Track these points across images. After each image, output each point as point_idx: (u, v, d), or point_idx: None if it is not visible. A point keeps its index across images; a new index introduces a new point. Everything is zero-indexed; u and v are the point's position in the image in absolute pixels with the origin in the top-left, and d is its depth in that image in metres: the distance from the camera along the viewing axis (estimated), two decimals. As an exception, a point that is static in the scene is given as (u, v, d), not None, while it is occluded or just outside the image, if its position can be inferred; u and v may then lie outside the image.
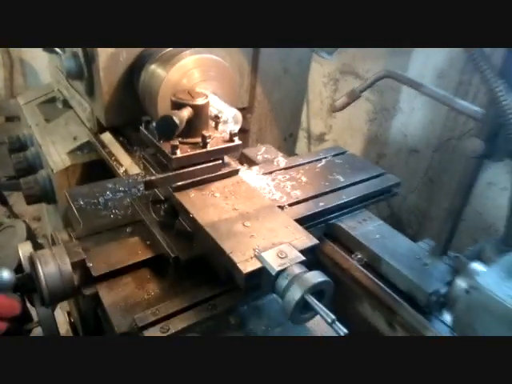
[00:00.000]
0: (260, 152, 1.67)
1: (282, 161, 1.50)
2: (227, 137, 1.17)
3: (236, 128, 1.29)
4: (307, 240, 0.97)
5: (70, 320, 1.46)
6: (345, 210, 1.34)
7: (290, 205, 1.27)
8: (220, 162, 1.16)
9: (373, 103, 3.03)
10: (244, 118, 2.18)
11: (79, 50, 1.70)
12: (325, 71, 3.40)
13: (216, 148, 1.13)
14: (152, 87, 1.49)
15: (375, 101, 3.01)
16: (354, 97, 1.52)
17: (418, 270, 1.13)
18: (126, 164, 1.63)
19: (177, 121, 0.98)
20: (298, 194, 1.31)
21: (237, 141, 1.17)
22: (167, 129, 0.98)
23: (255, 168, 1.43)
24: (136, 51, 1.63)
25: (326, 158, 1.56)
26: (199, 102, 1.10)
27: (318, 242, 0.97)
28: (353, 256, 1.25)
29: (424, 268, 1.15)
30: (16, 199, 3.99)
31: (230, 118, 1.34)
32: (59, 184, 1.80)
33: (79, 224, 1.21)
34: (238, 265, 0.87)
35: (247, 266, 0.87)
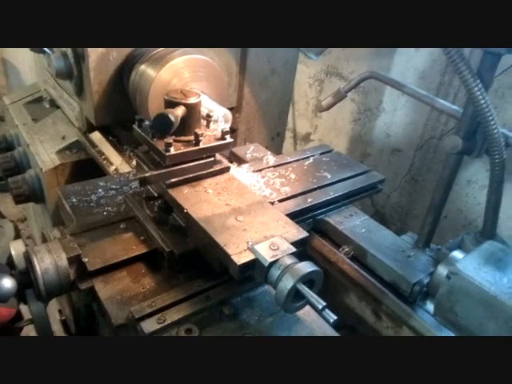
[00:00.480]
0: (249, 151, 1.71)
1: (271, 159, 1.55)
2: (219, 135, 1.20)
3: (226, 127, 1.33)
4: (298, 233, 1.01)
5: (61, 317, 1.47)
6: (332, 206, 1.39)
7: (280, 201, 1.31)
8: (212, 159, 1.19)
9: (357, 104, 3.10)
10: (232, 117, 2.24)
11: (69, 50, 1.71)
12: (310, 72, 3.46)
13: (208, 146, 1.16)
14: (142, 87, 1.52)
15: (359, 101, 3.08)
16: (339, 97, 1.57)
17: (402, 262, 1.19)
18: (117, 162, 1.65)
19: (172, 119, 1.01)
20: (287, 191, 1.36)
21: (228, 139, 1.20)
22: (163, 126, 1.01)
23: (245, 166, 1.47)
24: (126, 51, 1.65)
25: (313, 156, 1.61)
26: (192, 100, 1.13)
27: (307, 234, 1.02)
28: (340, 249, 1.30)
29: (408, 260, 1.20)
30: (-1, 200, 3.95)
31: (220, 117, 1.38)
32: (48, 183, 1.80)
33: (72, 221, 1.23)
34: (232, 257, 0.91)
35: (241, 257, 0.91)
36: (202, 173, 1.18)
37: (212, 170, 1.20)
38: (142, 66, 1.56)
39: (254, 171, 1.44)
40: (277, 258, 0.90)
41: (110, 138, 1.81)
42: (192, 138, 1.14)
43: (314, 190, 1.40)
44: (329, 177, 1.47)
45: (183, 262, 1.08)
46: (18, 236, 2.28)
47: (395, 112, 2.89)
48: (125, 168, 1.62)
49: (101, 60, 1.62)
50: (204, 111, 1.27)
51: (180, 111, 1.09)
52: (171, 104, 1.13)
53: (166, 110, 1.04)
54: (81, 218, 1.23)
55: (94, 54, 1.60)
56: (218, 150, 1.20)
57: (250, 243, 0.95)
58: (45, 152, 1.87)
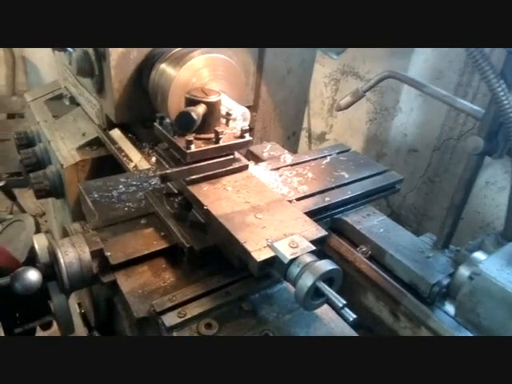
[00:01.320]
0: (266, 149, 1.72)
1: (288, 157, 1.55)
2: (238, 133, 1.21)
3: (245, 125, 1.34)
4: (317, 231, 1.01)
5: (80, 311, 1.50)
6: (350, 205, 1.39)
7: (298, 199, 1.32)
8: (231, 157, 1.21)
9: (373, 103, 3.09)
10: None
11: (90, 49, 1.74)
12: (326, 71, 3.45)
13: (228, 143, 1.17)
14: (163, 86, 1.54)
15: (375, 101, 3.07)
16: (357, 96, 1.57)
17: (421, 263, 1.18)
18: (136, 159, 1.68)
19: (195, 116, 1.03)
20: (305, 189, 1.36)
21: (247, 137, 1.21)
22: (186, 124, 1.03)
23: (263, 164, 1.48)
24: (146, 50, 1.68)
25: (330, 155, 1.61)
26: (212, 99, 1.15)
27: (326, 233, 1.02)
28: (358, 249, 1.30)
29: (426, 260, 1.20)
30: (18, 195, 4.03)
31: (239, 116, 1.39)
32: (69, 179, 1.84)
33: (94, 216, 1.26)
34: (252, 253, 0.92)
35: (261, 254, 0.92)
36: (221, 170, 1.19)
37: (231, 167, 1.21)
38: (162, 65, 1.58)
39: (271, 169, 1.45)
40: (296, 255, 0.91)
41: (130, 135, 1.84)
42: (212, 135, 1.16)
43: (332, 189, 1.40)
44: (346, 176, 1.47)
45: (203, 258, 1.09)
46: (38, 230, 2.33)
47: (412, 112, 2.87)
48: (144, 165, 1.64)
49: (121, 59, 1.65)
50: (224, 110, 1.29)
51: (201, 109, 1.11)
52: (192, 102, 1.14)
53: (189, 108, 1.05)
54: (103, 213, 1.26)
55: (115, 53, 1.63)
56: (238, 148, 1.21)
57: (269, 240, 0.96)
58: (65, 148, 1.91)
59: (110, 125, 1.86)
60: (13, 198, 3.81)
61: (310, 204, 1.31)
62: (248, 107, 2.21)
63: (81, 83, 2.09)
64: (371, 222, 1.36)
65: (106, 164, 1.87)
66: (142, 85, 1.70)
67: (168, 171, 1.11)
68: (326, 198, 1.34)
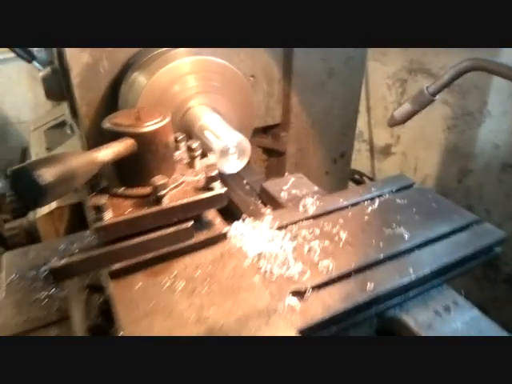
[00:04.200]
0: (286, 186, 1.18)
1: (310, 204, 1.00)
2: (202, 182, 0.70)
3: (241, 163, 0.87)
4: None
5: None
6: (411, 292, 0.81)
7: (316, 287, 0.77)
8: (189, 224, 0.70)
9: (451, 106, 2.44)
10: (277, 137, 1.73)
11: (58, 64, 1.35)
12: (388, 71, 2.84)
13: (179, 204, 0.67)
14: (131, 100, 1.09)
15: (454, 103, 2.41)
16: (422, 102, 0.99)
17: None
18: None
19: (43, 180, 0.51)
20: (332, 266, 0.80)
21: (218, 189, 0.70)
22: (27, 194, 0.52)
23: (268, 218, 0.94)
24: (120, 59, 1.24)
25: (381, 196, 1.04)
26: (146, 128, 0.65)
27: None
28: (428, 381, 0.71)
29: None
30: None
31: (231, 148, 0.91)
32: (44, 231, 1.45)
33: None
34: None
35: None
36: (171, 249, 0.69)
37: (191, 242, 0.71)
38: (134, 74, 1.14)
39: (279, 227, 0.91)
40: None
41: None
42: (149, 190, 0.66)
43: (380, 262, 0.83)
44: (406, 236, 0.88)
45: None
46: None
47: (505, 116, 2.19)
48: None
49: (87, 73, 1.22)
50: (208, 137, 0.84)
51: (110, 152, 0.61)
52: (114, 135, 0.66)
53: (34, 163, 0.53)
54: (8, 313, 0.81)
55: (76, 66, 1.20)
56: (197, 210, 0.70)
57: None
58: (44, 191, 1.53)
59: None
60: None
61: (339, 298, 0.74)
62: (275, 125, 1.71)
63: (72, 108, 1.73)
64: (451, 325, 0.77)
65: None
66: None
67: (63, 261, 0.63)
68: (368, 284, 0.77)
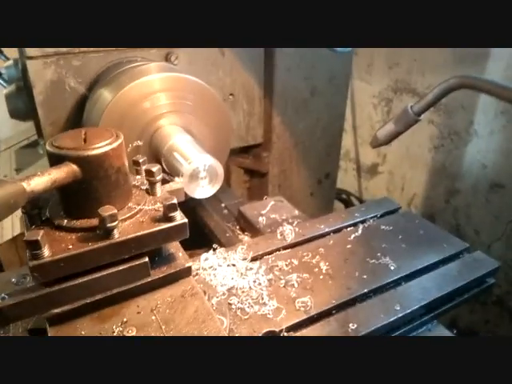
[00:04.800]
0: (265, 210, 1.11)
1: (289, 231, 0.92)
2: (160, 212, 0.62)
3: (212, 188, 0.79)
4: None
5: None
6: (399, 331, 0.72)
7: (292, 328, 0.68)
8: (144, 260, 0.61)
9: (438, 126, 2.40)
10: (259, 157, 1.65)
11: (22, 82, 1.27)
12: (374, 90, 2.82)
13: (131, 237, 0.58)
14: (94, 117, 1.02)
15: (441, 123, 2.37)
16: (406, 122, 0.92)
17: None
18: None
19: None
20: (310, 303, 0.72)
21: (178, 218, 0.61)
22: None
23: (240, 248, 0.85)
24: (89, 75, 1.16)
25: (364, 221, 0.96)
26: (92, 151, 0.57)
27: None
28: None
29: None
30: None
31: (202, 172, 0.83)
32: (6, 259, 1.35)
33: None
34: None
35: None
36: (123, 289, 0.60)
37: (147, 280, 0.62)
38: (100, 90, 1.06)
39: (253, 259, 0.83)
40: None
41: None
42: (96, 222, 0.57)
43: (364, 298, 0.74)
44: (392, 266, 0.81)
45: None
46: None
47: (492, 135, 2.15)
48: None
49: (51, 91, 1.15)
50: (178, 158, 0.77)
51: (56, 175, 0.53)
52: (57, 159, 0.57)
53: None
54: None
55: (40, 82, 1.13)
56: (156, 243, 0.61)
57: None
58: (9, 217, 1.43)
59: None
60: None
61: (316, 339, 0.66)
62: (256, 145, 1.65)
63: (42, 128, 1.64)
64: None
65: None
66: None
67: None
68: (351, 325, 0.69)
